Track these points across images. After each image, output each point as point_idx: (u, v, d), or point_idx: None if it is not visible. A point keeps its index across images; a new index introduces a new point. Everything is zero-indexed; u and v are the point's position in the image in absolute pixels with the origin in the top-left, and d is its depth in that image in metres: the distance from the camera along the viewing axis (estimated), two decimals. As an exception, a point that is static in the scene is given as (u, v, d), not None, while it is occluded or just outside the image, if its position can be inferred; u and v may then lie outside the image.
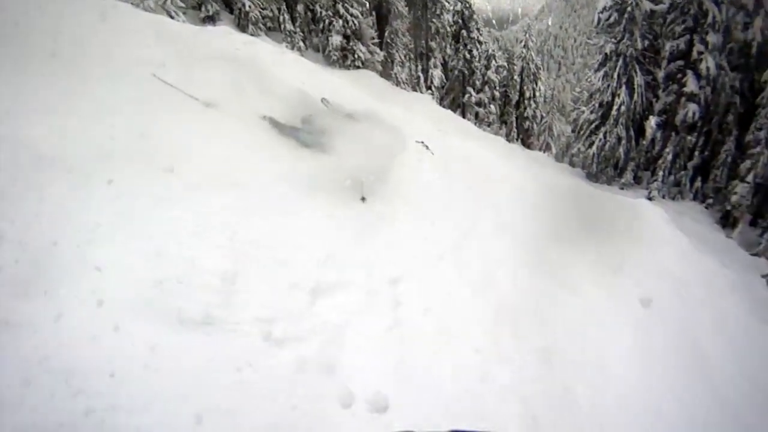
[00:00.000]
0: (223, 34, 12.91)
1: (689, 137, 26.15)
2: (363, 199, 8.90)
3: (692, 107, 24.47)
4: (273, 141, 9.14)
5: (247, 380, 5.28)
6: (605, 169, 28.66)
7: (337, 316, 6.54)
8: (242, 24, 25.39)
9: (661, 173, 25.29)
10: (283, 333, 5.90)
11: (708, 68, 23.78)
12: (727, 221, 23.25)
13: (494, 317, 7.92)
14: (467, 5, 36.48)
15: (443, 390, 6.38)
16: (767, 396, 9.20)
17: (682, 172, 26.31)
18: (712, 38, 23.63)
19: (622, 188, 27.19)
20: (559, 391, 7.47)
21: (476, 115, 37.86)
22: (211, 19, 24.11)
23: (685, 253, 13.07)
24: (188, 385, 4.96)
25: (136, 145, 7.15)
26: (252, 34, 23.19)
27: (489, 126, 37.94)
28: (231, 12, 26.52)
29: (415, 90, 32.20)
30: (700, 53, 24.01)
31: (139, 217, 6.23)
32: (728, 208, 22.88)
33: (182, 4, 22.09)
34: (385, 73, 29.15)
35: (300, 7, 27.92)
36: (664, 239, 13.21)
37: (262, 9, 26.34)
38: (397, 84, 29.49)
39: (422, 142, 11.45)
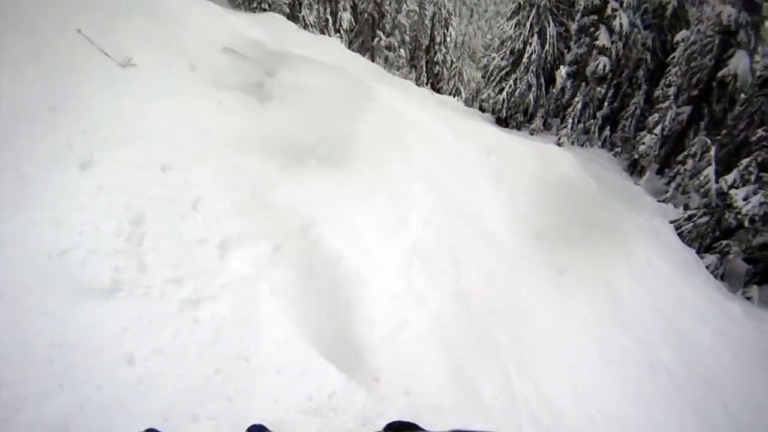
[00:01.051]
0: None
1: (599, 88, 26.62)
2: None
3: (603, 60, 24.82)
4: (200, 95, 8.76)
5: (167, 346, 5.02)
6: (515, 115, 28.96)
7: (249, 269, 6.34)
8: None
9: (570, 121, 25.65)
10: (196, 292, 5.65)
11: (621, 25, 24.14)
12: (634, 169, 23.87)
13: (408, 260, 7.82)
14: (379, -53, 35.79)
15: (362, 340, 6.25)
16: (680, 335, 9.67)
17: (591, 121, 26.88)
18: (628, -4, 23.84)
19: (532, 134, 27.50)
20: (479, 333, 7.44)
21: (386, 59, 37.68)
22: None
23: (595, 198, 13.23)
24: (105, 360, 4.67)
25: (42, 111, 6.69)
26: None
27: (398, 70, 37.88)
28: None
29: (324, 33, 31.65)
30: (614, 10, 24.32)
31: (35, 182, 5.82)
32: (636, 156, 23.49)
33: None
34: (293, 15, 28.41)
35: (204, -54, 26.37)
36: (574, 185, 13.32)
37: (162, -50, 24.87)
38: (305, 27, 28.78)
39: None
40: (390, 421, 2.47)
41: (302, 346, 5.71)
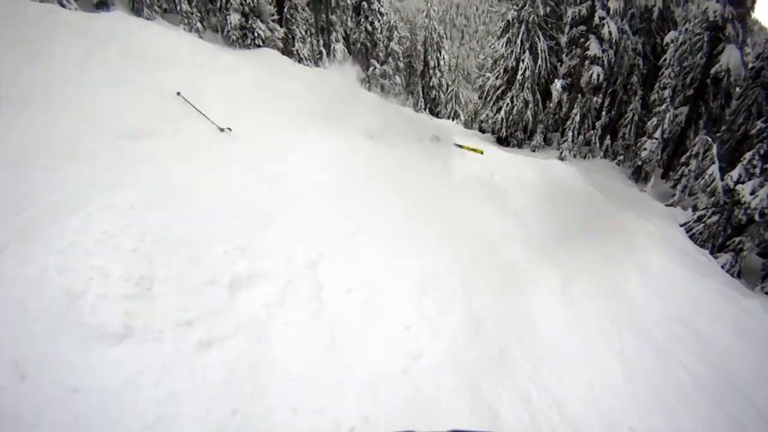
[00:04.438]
0: (119, 19, 12.57)
1: (595, 98, 26.76)
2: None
3: (596, 69, 24.89)
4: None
5: (182, 389, 4.97)
6: (515, 133, 28.98)
7: (260, 308, 6.31)
8: (137, 7, 23.92)
9: (570, 134, 25.66)
10: (207, 334, 5.62)
11: (610, 32, 24.29)
12: (639, 176, 23.76)
13: (418, 290, 7.80)
14: (367, -24, 36.08)
15: (379, 374, 6.15)
16: (700, 338, 9.64)
17: (591, 132, 26.93)
18: (614, 4, 24.14)
19: (534, 150, 27.55)
20: (495, 356, 7.38)
21: (382, 87, 37.82)
22: (104, 5, 22.83)
23: (601, 209, 13.22)
24: (121, 405, 4.64)
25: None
26: (147, 18, 22.27)
27: (395, 97, 37.96)
28: (125, -5, 25.05)
29: (318, 65, 31.72)
30: (602, 18, 24.43)
31: (42, 229, 5.92)
32: (639, 163, 23.38)
33: (76, -10, 20.93)
34: (286, 50, 28.49)
35: (195, -15, 26.70)
36: (578, 197, 13.34)
37: (156, -10, 25.13)
38: (300, 60, 28.91)
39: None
40: None
41: (317, 383, 5.66)
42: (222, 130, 9.72)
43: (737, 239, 15.31)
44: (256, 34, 25.02)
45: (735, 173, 15.29)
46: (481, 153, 13.34)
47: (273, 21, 26.68)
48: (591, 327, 9.08)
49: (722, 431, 7.86)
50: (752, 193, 14.50)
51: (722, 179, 16.11)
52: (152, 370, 4.95)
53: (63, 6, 18.91)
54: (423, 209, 10.00)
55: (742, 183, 14.95)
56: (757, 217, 14.34)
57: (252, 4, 24.48)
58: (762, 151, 14.73)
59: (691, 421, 7.81)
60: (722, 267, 14.49)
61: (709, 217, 16.19)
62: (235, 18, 24.30)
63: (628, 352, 8.72)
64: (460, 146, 13.52)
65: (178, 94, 10.04)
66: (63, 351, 4.71)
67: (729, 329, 10.04)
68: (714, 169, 16.98)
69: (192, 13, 24.74)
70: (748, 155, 15.20)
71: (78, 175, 7.07)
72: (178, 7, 24.58)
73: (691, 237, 15.91)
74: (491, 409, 6.43)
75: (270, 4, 26.97)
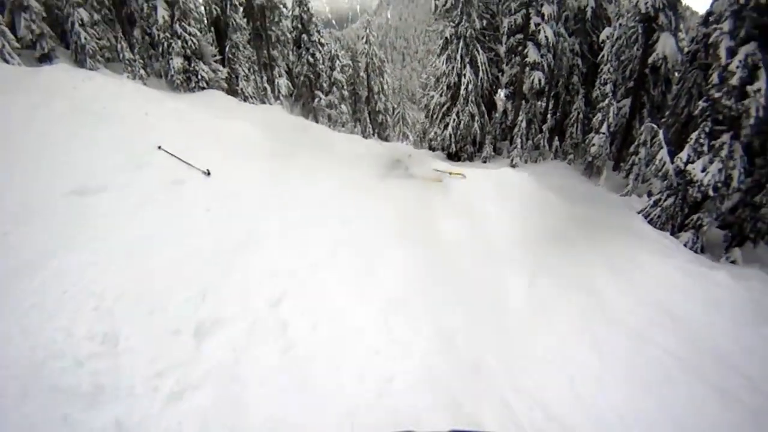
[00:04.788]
0: (63, 72, 12.61)
1: (539, 102, 27.35)
2: None
3: (537, 75, 25.45)
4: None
5: None
6: (464, 147, 29.47)
7: (227, 354, 6.36)
8: (80, 59, 23.80)
9: (518, 140, 26.13)
10: (178, 384, 5.68)
11: (547, 37, 24.90)
12: (591, 171, 24.02)
13: (384, 314, 7.95)
14: (305, 9, 36.35)
15: (354, 402, 6.21)
16: (674, 317, 9.76)
17: (539, 136, 27.44)
18: (548, 9, 24.75)
19: (485, 161, 28.05)
20: (469, 365, 7.49)
21: (329, 117, 37.93)
22: (47, 58, 22.73)
23: (558, 209, 13.41)
24: None
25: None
26: (91, 68, 22.17)
27: (343, 126, 38.19)
28: (67, 47, 25.00)
29: (264, 102, 31.78)
30: (537, 25, 25.05)
31: (4, 294, 6.09)
32: (589, 159, 23.70)
33: (17, 45, 20.89)
34: (231, 89, 28.51)
35: (137, 32, 26.84)
36: (535, 201, 13.54)
37: (98, 39, 24.91)
38: (245, 99, 28.89)
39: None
40: None
41: (293, 421, 5.71)
42: (208, 174, 9.81)
43: (695, 216, 15.52)
44: (200, 77, 25.09)
45: (684, 154, 15.53)
46: (461, 175, 13.71)
47: (216, 62, 26.84)
48: (563, 325, 9.23)
49: (715, 403, 7.93)
50: (703, 170, 14.75)
51: (672, 162, 16.37)
52: (128, 426, 4.99)
53: (6, 61, 18.98)
54: (385, 232, 10.15)
55: (692, 162, 15.20)
56: (711, 192, 14.55)
57: (194, 47, 24.57)
58: (707, 129, 15.02)
59: (680, 399, 7.89)
60: (685, 245, 14.71)
61: (664, 201, 16.44)
62: (177, 62, 24.34)
63: (603, 343, 8.87)
64: (449, 173, 14.06)
65: (159, 147, 10.16)
66: (37, 418, 4.73)
67: (702, 304, 10.23)
68: (663, 153, 17.28)
69: (135, 61, 24.72)
70: (694, 135, 15.47)
71: (35, 235, 7.14)
72: (121, 56, 24.56)
73: (650, 222, 16.10)
74: (473, 419, 6.49)
75: (212, 45, 27.11)
